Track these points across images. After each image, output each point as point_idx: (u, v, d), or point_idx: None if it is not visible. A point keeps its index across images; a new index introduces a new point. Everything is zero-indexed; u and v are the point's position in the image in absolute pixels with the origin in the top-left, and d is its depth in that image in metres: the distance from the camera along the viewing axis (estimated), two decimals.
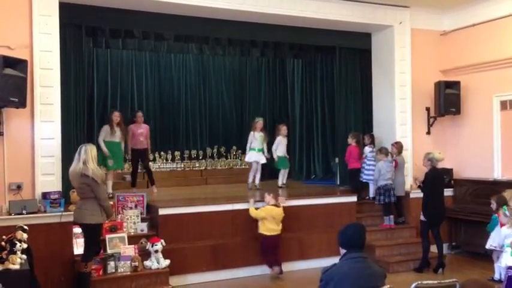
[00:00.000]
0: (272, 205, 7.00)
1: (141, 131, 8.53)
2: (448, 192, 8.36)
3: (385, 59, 8.83)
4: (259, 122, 9.09)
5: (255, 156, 8.98)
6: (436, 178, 7.25)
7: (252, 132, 9.07)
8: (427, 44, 8.83)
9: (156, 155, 10.80)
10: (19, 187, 6.08)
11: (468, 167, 8.55)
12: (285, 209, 7.21)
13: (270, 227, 6.88)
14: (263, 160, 9.08)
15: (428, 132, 8.86)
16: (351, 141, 8.56)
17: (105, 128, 7.96)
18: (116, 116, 8.01)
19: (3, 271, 4.61)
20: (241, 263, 7.06)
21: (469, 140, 8.60)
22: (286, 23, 8.10)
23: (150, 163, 9.50)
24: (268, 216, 6.89)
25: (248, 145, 9.12)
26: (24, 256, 4.97)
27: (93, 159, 5.51)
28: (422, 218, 7.25)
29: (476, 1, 8.22)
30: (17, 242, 4.95)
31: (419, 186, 7.47)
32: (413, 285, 3.58)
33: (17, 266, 4.78)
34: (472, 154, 8.50)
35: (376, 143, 8.65)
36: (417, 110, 8.74)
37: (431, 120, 8.84)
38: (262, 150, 9.04)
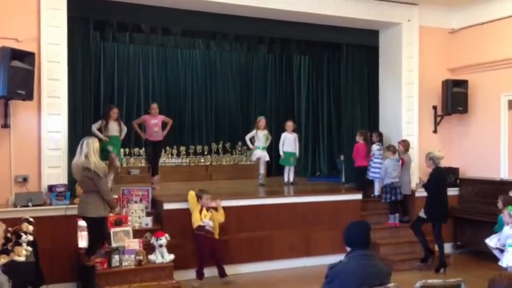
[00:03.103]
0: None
1: (156, 121, 8.39)
2: (453, 191, 8.35)
3: (392, 56, 8.78)
4: (262, 120, 9.20)
5: (259, 154, 9.15)
6: (439, 177, 7.24)
7: (255, 131, 9.15)
8: (435, 42, 8.78)
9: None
10: (25, 179, 6.13)
11: (474, 166, 8.51)
12: (291, 205, 7.17)
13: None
14: (267, 158, 9.26)
15: (435, 131, 8.82)
16: (359, 138, 8.54)
17: (99, 122, 7.86)
18: (115, 113, 7.95)
19: (9, 263, 4.63)
20: (246, 259, 7.08)
21: (476, 139, 8.55)
22: (294, 19, 8.07)
23: None
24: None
25: (247, 138, 9.28)
26: (30, 248, 5.00)
27: (95, 152, 5.51)
28: (421, 214, 7.25)
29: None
30: (22, 234, 4.98)
31: (423, 185, 7.49)
32: (418, 284, 3.55)
33: (22, 258, 4.81)
34: (479, 153, 8.45)
35: (384, 141, 8.62)
36: (424, 108, 8.69)
37: (438, 118, 8.79)
38: (265, 148, 9.20)
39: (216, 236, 6.58)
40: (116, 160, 8.09)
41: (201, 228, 6.47)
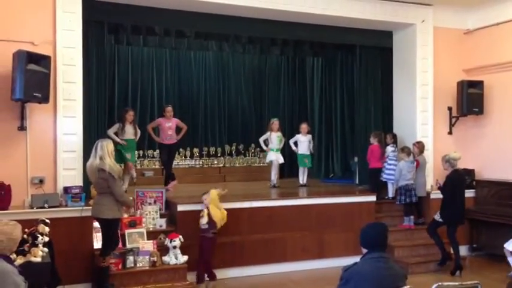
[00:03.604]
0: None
1: (170, 124, 8.35)
2: (469, 193, 8.24)
3: (406, 57, 8.72)
4: (275, 122, 9.22)
5: (274, 156, 9.16)
6: (457, 180, 7.14)
7: (268, 133, 9.19)
8: (450, 43, 8.69)
9: None
10: (41, 181, 6.19)
11: (490, 168, 8.40)
12: (304, 207, 7.14)
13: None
14: (281, 160, 9.25)
15: (450, 132, 8.73)
16: (373, 140, 8.48)
17: (117, 126, 7.93)
18: (131, 115, 8.00)
19: (25, 263, 4.67)
20: (259, 261, 7.07)
21: (492, 141, 8.44)
22: (307, 21, 8.05)
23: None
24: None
25: (261, 140, 9.31)
26: (46, 249, 5.05)
27: (109, 155, 5.56)
28: (437, 217, 7.17)
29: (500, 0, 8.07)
30: (38, 235, 5.04)
31: (439, 188, 7.40)
32: (434, 286, 3.52)
33: (38, 259, 4.86)
34: (495, 155, 8.34)
35: (398, 143, 8.56)
36: (439, 109, 8.61)
37: (454, 120, 8.70)
38: (279, 150, 9.23)
39: (223, 219, 6.42)
40: (133, 170, 8.17)
41: (201, 230, 6.43)
